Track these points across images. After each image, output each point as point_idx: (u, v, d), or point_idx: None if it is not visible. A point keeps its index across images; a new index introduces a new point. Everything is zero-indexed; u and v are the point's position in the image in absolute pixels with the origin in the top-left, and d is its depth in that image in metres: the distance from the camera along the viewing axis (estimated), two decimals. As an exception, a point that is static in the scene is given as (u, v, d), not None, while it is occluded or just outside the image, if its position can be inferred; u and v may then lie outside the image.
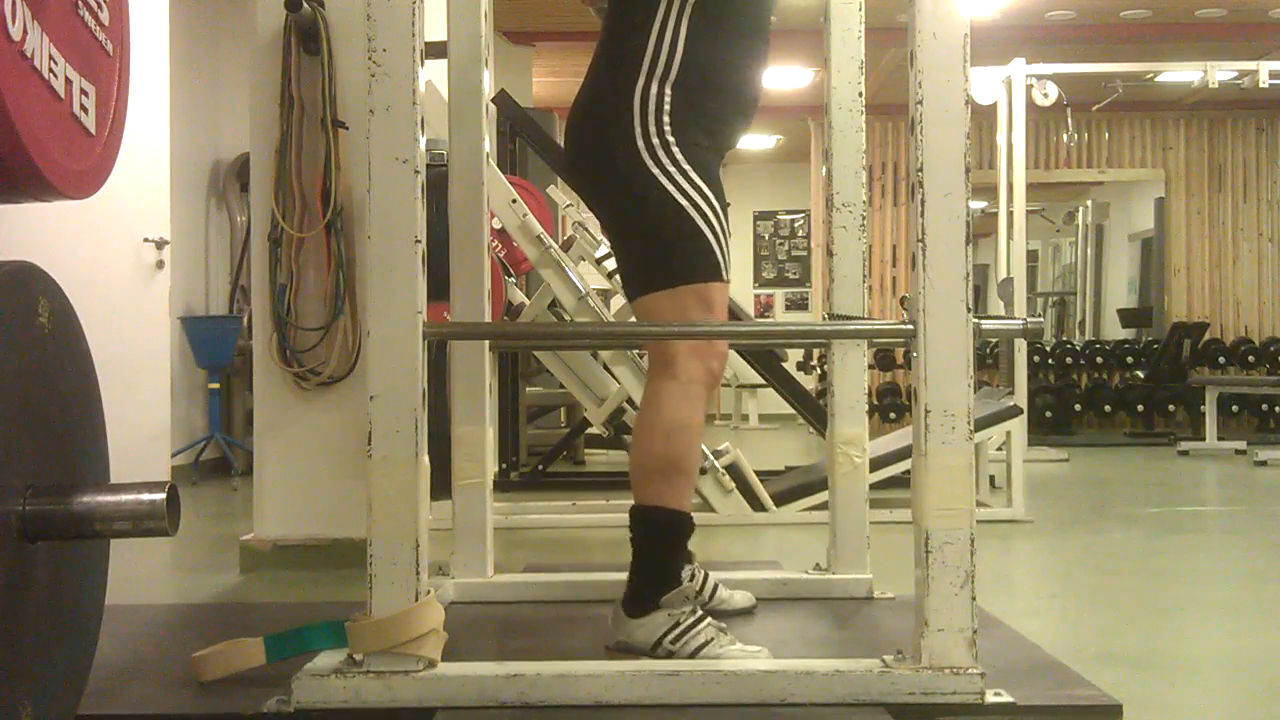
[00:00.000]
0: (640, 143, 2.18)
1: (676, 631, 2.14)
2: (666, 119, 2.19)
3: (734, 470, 4.38)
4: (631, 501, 2.23)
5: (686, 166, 2.18)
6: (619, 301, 5.38)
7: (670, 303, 2.19)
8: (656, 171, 2.17)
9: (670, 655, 2.12)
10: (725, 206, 2.24)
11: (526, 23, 7.86)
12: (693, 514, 2.24)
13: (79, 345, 1.80)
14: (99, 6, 2.33)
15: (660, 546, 2.20)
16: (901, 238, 9.72)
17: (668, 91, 2.19)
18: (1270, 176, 9.70)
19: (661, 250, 2.21)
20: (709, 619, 2.18)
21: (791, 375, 5.61)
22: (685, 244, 2.18)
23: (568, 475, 6.22)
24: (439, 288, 2.50)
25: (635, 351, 4.33)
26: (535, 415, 7.05)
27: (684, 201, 2.17)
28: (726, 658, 2.10)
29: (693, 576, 2.24)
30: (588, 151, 2.28)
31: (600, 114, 2.26)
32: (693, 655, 2.11)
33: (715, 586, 2.61)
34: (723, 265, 2.21)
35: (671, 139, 2.18)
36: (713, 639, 2.13)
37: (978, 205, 10.02)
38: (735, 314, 5.34)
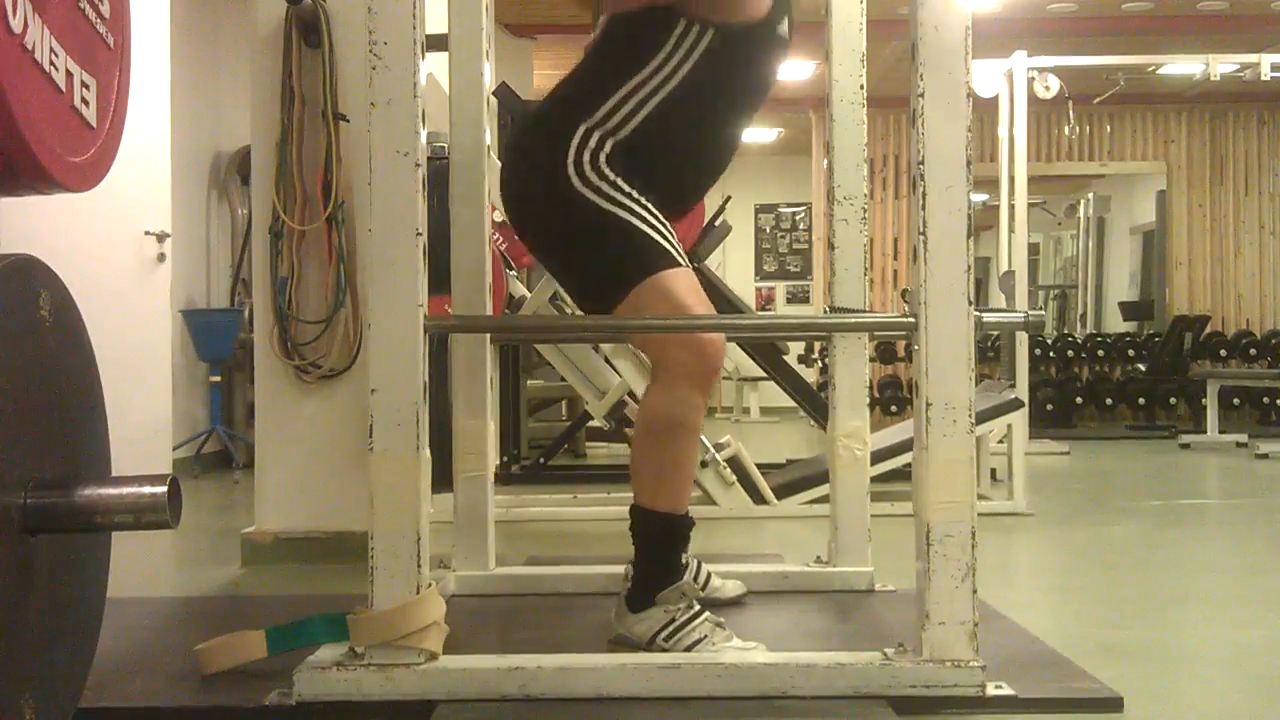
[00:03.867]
0: (571, 170, 2.12)
1: (670, 628, 2.14)
2: (603, 159, 2.13)
3: (735, 463, 4.38)
4: (632, 497, 2.23)
5: (614, 178, 2.12)
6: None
7: (636, 304, 2.12)
8: (583, 189, 2.11)
9: (664, 652, 2.11)
10: (666, 214, 2.18)
11: (527, 15, 7.85)
12: (690, 511, 2.22)
13: (80, 338, 1.80)
14: (99, -1, 2.32)
15: (655, 547, 2.19)
16: (903, 231, 9.71)
17: (608, 145, 2.14)
18: (1272, 169, 9.68)
19: (604, 260, 2.15)
20: (706, 615, 2.17)
21: (793, 368, 5.61)
22: (623, 244, 2.12)
23: (569, 468, 6.23)
24: (440, 280, 2.50)
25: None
26: (537, 408, 7.06)
27: (610, 206, 2.11)
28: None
29: (686, 566, 2.23)
30: (519, 177, 2.25)
31: (537, 142, 2.24)
32: (685, 652, 2.11)
33: (708, 576, 2.62)
34: (673, 251, 2.13)
35: (606, 169, 2.13)
36: (706, 636, 2.12)
37: (979, 198, 10.00)
38: (736, 307, 5.33)
